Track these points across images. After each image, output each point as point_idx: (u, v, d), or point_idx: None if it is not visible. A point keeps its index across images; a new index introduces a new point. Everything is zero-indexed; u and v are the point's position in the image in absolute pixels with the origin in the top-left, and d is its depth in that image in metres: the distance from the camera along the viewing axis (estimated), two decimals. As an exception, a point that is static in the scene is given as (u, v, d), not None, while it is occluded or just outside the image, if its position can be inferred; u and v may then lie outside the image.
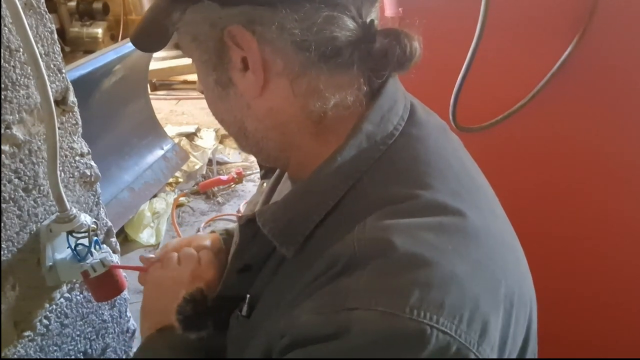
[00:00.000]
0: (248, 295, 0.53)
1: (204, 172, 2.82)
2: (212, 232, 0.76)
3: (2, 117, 0.65)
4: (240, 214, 2.38)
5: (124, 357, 0.99)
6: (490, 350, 0.40)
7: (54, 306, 0.80)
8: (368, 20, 0.48)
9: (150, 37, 0.54)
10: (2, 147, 0.66)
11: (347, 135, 0.49)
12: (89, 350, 0.90)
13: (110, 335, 0.95)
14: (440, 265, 0.40)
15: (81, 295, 0.86)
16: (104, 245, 0.78)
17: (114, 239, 0.93)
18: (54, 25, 0.71)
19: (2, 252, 0.68)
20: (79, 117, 0.80)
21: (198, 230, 2.39)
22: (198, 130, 3.18)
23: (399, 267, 0.39)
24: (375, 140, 0.49)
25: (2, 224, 0.68)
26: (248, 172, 2.60)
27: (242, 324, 0.53)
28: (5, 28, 0.63)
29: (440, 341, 0.37)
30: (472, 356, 0.38)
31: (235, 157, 3.03)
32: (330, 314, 0.39)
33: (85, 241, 0.74)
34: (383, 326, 0.37)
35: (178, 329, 0.55)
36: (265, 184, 0.69)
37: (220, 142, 3.12)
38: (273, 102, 0.49)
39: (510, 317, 0.43)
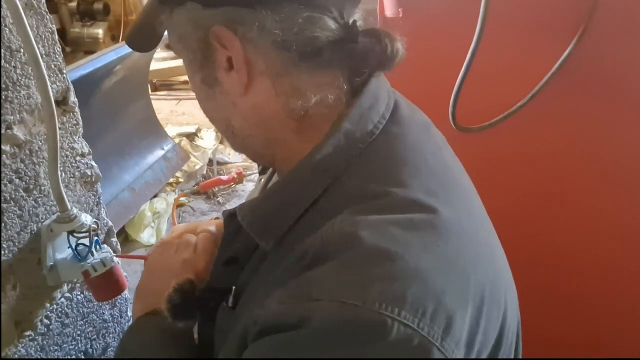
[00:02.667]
0: (234, 287, 0.54)
1: (204, 172, 2.82)
2: (217, 218, 0.76)
3: (3, 117, 0.65)
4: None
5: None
6: (455, 346, 0.40)
7: (55, 306, 0.80)
8: (350, 21, 0.49)
9: (142, 38, 0.56)
10: (3, 147, 0.66)
11: (326, 133, 0.50)
12: (90, 350, 0.90)
13: (111, 335, 0.95)
14: (404, 259, 0.40)
15: (82, 295, 0.86)
16: (105, 245, 0.78)
17: (114, 239, 0.93)
18: (54, 26, 0.71)
19: (2, 252, 0.68)
20: (79, 117, 0.80)
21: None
22: (198, 130, 3.18)
23: (363, 261, 0.40)
24: (354, 138, 0.49)
25: (3, 224, 0.68)
26: (248, 172, 2.59)
27: (227, 315, 0.54)
28: (6, 28, 0.63)
29: (401, 333, 0.37)
30: (435, 350, 0.38)
31: (235, 157, 3.03)
32: (295, 304, 0.40)
33: (86, 241, 0.74)
34: (343, 317, 0.37)
35: (167, 317, 0.57)
36: (262, 180, 0.70)
37: (221, 142, 3.12)
38: (256, 100, 0.50)
39: (480, 314, 0.43)
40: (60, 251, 0.76)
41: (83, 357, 0.88)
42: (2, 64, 0.63)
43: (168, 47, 0.55)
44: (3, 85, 0.64)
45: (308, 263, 0.42)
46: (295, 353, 0.38)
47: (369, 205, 0.45)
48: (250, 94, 0.50)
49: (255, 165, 2.88)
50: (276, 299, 0.42)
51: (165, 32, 0.55)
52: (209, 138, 3.09)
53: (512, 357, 0.52)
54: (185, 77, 3.93)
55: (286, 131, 0.52)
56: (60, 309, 0.81)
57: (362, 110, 0.50)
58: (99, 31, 4.61)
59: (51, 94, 0.64)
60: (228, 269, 0.56)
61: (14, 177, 0.68)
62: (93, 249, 0.75)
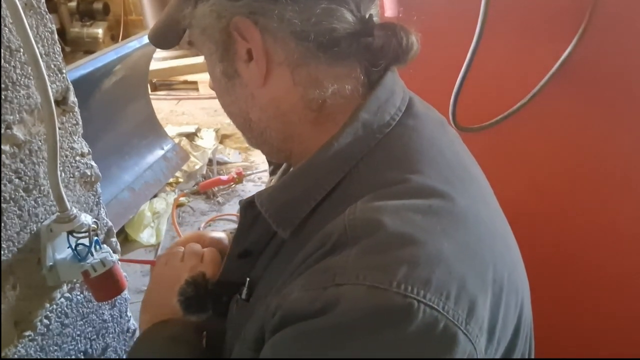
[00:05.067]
0: (248, 279, 0.54)
1: (204, 172, 2.82)
2: (224, 230, 0.77)
3: (2, 117, 0.65)
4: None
5: (124, 356, 1.00)
6: (479, 331, 0.40)
7: (55, 306, 0.80)
8: (367, 15, 0.49)
9: (165, 34, 0.57)
10: (3, 147, 0.66)
11: (344, 123, 0.51)
12: (90, 350, 0.90)
13: (111, 335, 0.95)
14: (428, 244, 0.41)
15: (81, 295, 0.86)
16: (104, 245, 0.78)
17: (114, 239, 0.93)
18: (54, 26, 0.71)
19: (2, 252, 0.68)
20: (79, 117, 0.80)
21: (198, 230, 2.39)
22: (198, 130, 3.17)
23: (387, 245, 0.40)
24: (371, 129, 0.50)
25: (3, 224, 0.68)
26: (248, 172, 2.60)
27: (241, 307, 0.54)
28: (6, 28, 0.63)
29: (427, 316, 0.37)
30: (461, 334, 0.38)
31: (235, 157, 3.03)
32: (319, 290, 0.40)
33: (86, 241, 0.74)
34: (370, 300, 0.38)
35: (179, 311, 0.57)
36: (273, 181, 0.70)
37: (221, 142, 3.12)
38: (275, 91, 0.51)
39: (500, 302, 0.44)
40: (60, 251, 0.76)
41: (83, 358, 0.88)
42: (1, 64, 0.63)
43: (190, 43, 0.56)
44: (3, 85, 0.64)
45: (330, 249, 0.43)
46: (322, 339, 0.38)
47: (387, 191, 0.46)
48: (269, 85, 0.51)
49: (254, 165, 2.88)
50: (297, 287, 0.42)
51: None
52: (208, 138, 3.08)
53: (527, 350, 0.53)
54: (185, 77, 3.95)
55: (304, 123, 0.52)
56: (59, 309, 0.81)
57: (380, 102, 0.51)
58: (99, 31, 4.62)
59: (51, 93, 0.64)
60: (242, 261, 0.56)
61: (13, 177, 0.68)
62: (93, 249, 0.75)
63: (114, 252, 0.86)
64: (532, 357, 0.56)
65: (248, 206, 0.55)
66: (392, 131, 0.51)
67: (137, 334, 1.04)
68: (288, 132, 0.54)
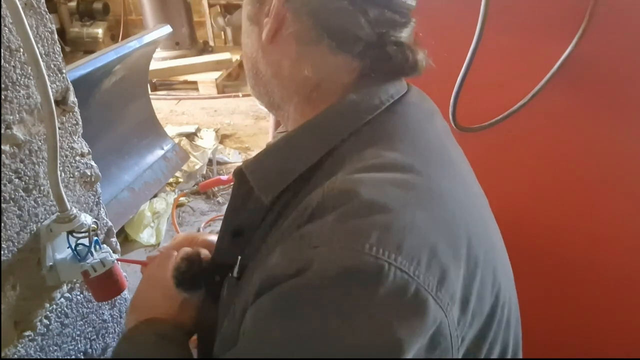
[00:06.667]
0: (239, 257, 0.55)
1: (204, 172, 2.82)
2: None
3: (2, 117, 0.65)
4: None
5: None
6: (450, 299, 0.41)
7: (54, 306, 0.80)
8: (383, 30, 0.52)
9: None
10: (3, 147, 0.66)
11: (332, 103, 0.53)
12: (89, 350, 0.90)
13: (111, 335, 0.95)
14: (401, 212, 0.42)
15: (81, 295, 0.86)
16: (104, 245, 0.78)
17: (114, 239, 0.93)
18: (54, 26, 0.71)
19: (2, 252, 0.68)
20: (79, 117, 0.80)
21: (198, 230, 2.39)
22: (198, 130, 3.17)
23: (361, 212, 0.42)
24: (358, 109, 0.52)
25: (3, 224, 0.68)
26: (248, 172, 2.60)
27: (233, 285, 0.55)
28: (6, 28, 0.63)
29: (397, 279, 0.38)
30: (431, 300, 0.39)
31: (235, 157, 3.03)
32: (295, 254, 0.41)
33: (86, 241, 0.74)
34: (342, 262, 0.39)
35: (173, 284, 0.59)
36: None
37: (221, 142, 3.12)
38: (280, 55, 0.55)
39: (474, 277, 0.45)
40: (60, 251, 0.76)
41: (83, 358, 0.88)
42: (1, 64, 0.63)
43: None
44: (3, 85, 0.64)
45: (308, 217, 0.44)
46: (296, 299, 0.39)
47: (365, 164, 0.47)
48: (275, 46, 0.54)
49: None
50: (275, 254, 0.43)
51: None
52: (208, 138, 3.08)
53: (510, 341, 0.53)
54: (185, 77, 3.95)
55: (300, 95, 0.55)
56: (59, 309, 0.81)
57: (369, 88, 0.53)
58: (99, 31, 4.62)
59: (51, 93, 0.64)
60: (235, 241, 0.57)
61: (13, 177, 0.68)
62: (92, 249, 0.75)
63: (114, 252, 0.86)
64: (519, 350, 0.56)
65: (240, 176, 0.56)
66: (381, 114, 0.53)
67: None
68: (286, 96, 0.57)
